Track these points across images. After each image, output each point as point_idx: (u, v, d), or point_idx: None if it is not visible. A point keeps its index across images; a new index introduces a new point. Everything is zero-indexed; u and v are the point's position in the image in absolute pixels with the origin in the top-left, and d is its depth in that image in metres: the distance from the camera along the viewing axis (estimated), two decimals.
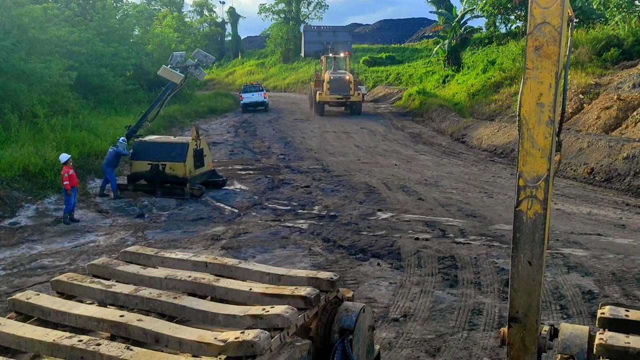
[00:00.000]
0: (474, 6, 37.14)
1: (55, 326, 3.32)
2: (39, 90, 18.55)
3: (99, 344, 2.92)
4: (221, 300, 3.62)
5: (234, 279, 3.93)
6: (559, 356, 3.25)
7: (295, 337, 3.33)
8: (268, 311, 3.18)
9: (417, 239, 9.74)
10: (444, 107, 29.43)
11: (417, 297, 7.32)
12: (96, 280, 3.86)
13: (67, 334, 3.07)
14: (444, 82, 36.42)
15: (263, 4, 78.88)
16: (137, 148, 14.31)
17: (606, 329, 3.12)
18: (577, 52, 24.16)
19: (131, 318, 3.19)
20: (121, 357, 2.80)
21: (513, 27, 37.87)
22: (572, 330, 3.37)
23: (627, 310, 3.27)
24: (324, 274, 3.87)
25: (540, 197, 3.19)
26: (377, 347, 4.39)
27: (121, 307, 3.54)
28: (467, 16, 37.11)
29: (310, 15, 64.91)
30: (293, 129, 26.74)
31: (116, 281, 3.92)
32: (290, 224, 11.07)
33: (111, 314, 3.29)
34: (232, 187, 14.95)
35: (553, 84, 3.11)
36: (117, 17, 31.88)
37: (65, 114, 19.73)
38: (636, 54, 23.69)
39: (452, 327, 6.43)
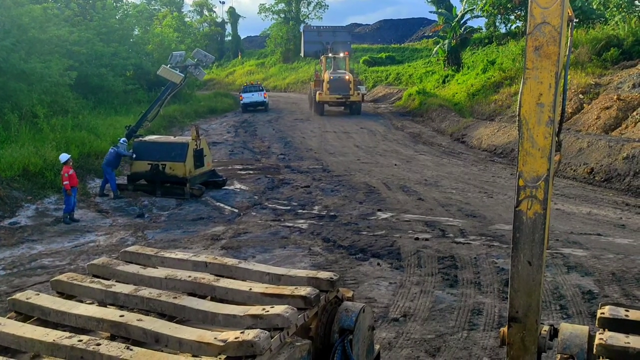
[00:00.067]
0: (474, 6, 37.15)
1: (55, 326, 3.31)
2: (39, 90, 18.55)
3: (99, 344, 2.92)
4: (221, 300, 3.62)
5: (234, 279, 3.93)
6: (558, 356, 3.25)
7: (295, 337, 3.33)
8: (268, 311, 3.18)
9: (417, 239, 9.75)
10: (444, 107, 29.44)
11: (417, 297, 7.32)
12: (96, 280, 3.86)
13: (67, 334, 3.06)
14: (443, 82, 36.43)
15: (263, 4, 78.90)
16: (137, 148, 14.32)
17: (606, 329, 3.12)
18: (577, 52, 24.16)
19: (131, 318, 3.19)
20: (121, 357, 2.80)
21: (513, 27, 37.90)
22: (572, 330, 3.37)
23: (627, 310, 3.27)
24: (323, 274, 3.87)
25: (540, 197, 3.19)
26: (377, 347, 4.39)
27: (121, 307, 3.54)
28: (467, 16, 37.14)
29: (310, 15, 65.00)
30: (293, 129, 26.74)
31: (116, 281, 3.91)
32: (290, 224, 11.07)
33: (111, 313, 3.29)
34: (232, 187, 14.96)
35: (553, 84, 3.11)
36: (117, 17, 31.88)
37: (65, 114, 19.73)
38: (636, 54, 23.69)
39: (452, 327, 6.43)
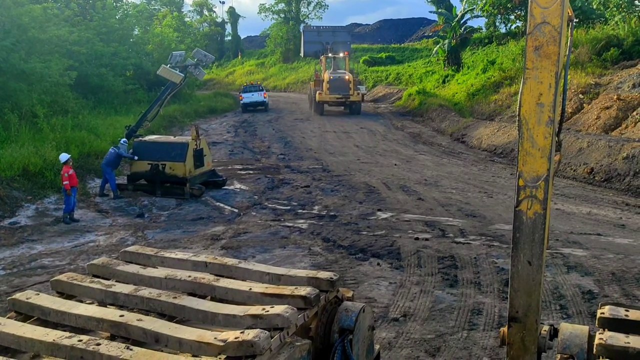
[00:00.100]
0: (474, 6, 37.15)
1: (55, 326, 3.31)
2: (39, 90, 18.55)
3: (98, 344, 2.92)
4: (221, 300, 3.62)
5: (234, 278, 3.93)
6: (558, 356, 3.25)
7: (295, 337, 3.32)
8: (268, 311, 3.18)
9: (417, 238, 9.75)
10: (444, 107, 29.44)
11: (416, 297, 7.32)
12: (96, 280, 3.86)
13: (67, 333, 3.06)
14: (443, 82, 36.43)
15: (263, 4, 78.88)
16: (137, 148, 14.32)
17: (606, 329, 3.12)
18: (577, 52, 24.16)
19: (131, 318, 3.19)
20: (121, 357, 2.80)
21: (513, 27, 37.89)
22: (572, 330, 3.37)
23: (627, 310, 3.27)
24: (323, 274, 3.87)
25: (540, 197, 3.19)
26: (377, 347, 4.39)
27: (121, 307, 3.54)
28: (467, 16, 37.13)
29: (310, 15, 65.01)
30: (293, 129, 26.74)
31: (116, 281, 3.91)
32: (290, 224, 11.07)
33: (111, 313, 3.29)
34: (232, 187, 14.96)
35: (553, 84, 3.11)
36: (117, 17, 31.88)
37: (65, 114, 19.73)
38: (636, 54, 23.69)
39: (452, 327, 6.43)
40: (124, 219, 12.11)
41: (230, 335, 2.92)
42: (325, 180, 15.22)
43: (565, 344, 3.26)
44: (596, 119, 19.26)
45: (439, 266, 8.41)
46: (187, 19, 66.34)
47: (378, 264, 8.58)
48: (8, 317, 3.45)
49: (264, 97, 36.08)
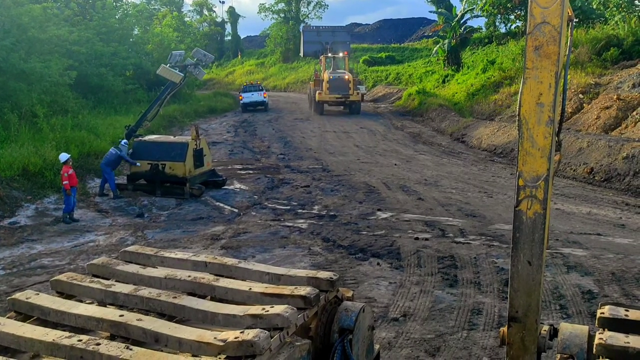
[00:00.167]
0: (474, 6, 37.14)
1: (54, 326, 3.31)
2: (39, 90, 18.54)
3: (98, 344, 2.92)
4: (221, 300, 3.62)
5: (234, 278, 3.93)
6: (558, 356, 3.25)
7: (295, 336, 3.32)
8: (268, 311, 3.18)
9: (416, 238, 9.74)
10: (444, 107, 29.43)
11: (416, 296, 7.32)
12: (96, 280, 3.85)
13: (67, 333, 3.06)
14: (443, 81, 36.43)
15: (263, 4, 78.79)
16: (136, 148, 14.31)
17: (606, 329, 3.12)
18: (576, 52, 24.16)
19: (131, 318, 3.19)
20: (121, 357, 2.80)
21: (513, 27, 37.87)
22: (572, 330, 3.37)
23: (627, 310, 3.27)
24: (323, 274, 3.87)
25: (540, 196, 3.19)
26: (376, 346, 4.39)
27: (121, 307, 3.54)
28: (467, 16, 37.14)
29: (310, 15, 65.00)
30: (293, 129, 26.73)
31: (116, 281, 3.91)
32: (290, 224, 11.07)
33: (111, 313, 3.29)
34: (231, 187, 14.95)
35: (553, 83, 3.11)
36: (117, 17, 31.87)
37: (64, 114, 19.72)
38: (636, 54, 23.69)
39: (452, 327, 6.43)
40: (124, 218, 12.11)
41: (230, 335, 2.91)
42: (325, 180, 15.22)
43: (565, 344, 3.26)
44: (596, 118, 19.26)
45: (439, 266, 8.41)
46: (187, 19, 66.44)
47: (378, 263, 8.57)
48: (8, 317, 3.45)
49: (264, 97, 36.08)
